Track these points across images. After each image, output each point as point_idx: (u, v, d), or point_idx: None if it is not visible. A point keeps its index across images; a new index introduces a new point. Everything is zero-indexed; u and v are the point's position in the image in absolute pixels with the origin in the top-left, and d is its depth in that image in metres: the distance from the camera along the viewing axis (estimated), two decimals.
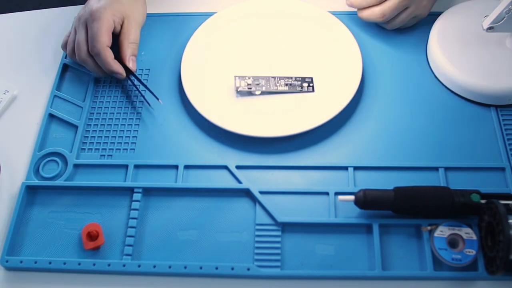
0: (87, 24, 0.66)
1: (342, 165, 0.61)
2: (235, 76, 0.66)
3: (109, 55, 0.65)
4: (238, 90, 0.65)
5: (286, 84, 0.66)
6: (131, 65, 0.67)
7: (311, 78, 0.66)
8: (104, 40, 0.64)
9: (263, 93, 0.65)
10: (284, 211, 0.57)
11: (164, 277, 0.55)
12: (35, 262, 0.55)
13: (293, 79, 0.66)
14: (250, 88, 0.65)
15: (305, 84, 0.66)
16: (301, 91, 0.65)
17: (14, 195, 0.61)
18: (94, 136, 0.65)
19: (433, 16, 0.70)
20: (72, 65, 0.71)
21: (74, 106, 0.67)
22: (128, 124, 0.65)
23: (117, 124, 0.66)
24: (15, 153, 0.64)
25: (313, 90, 0.66)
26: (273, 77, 0.66)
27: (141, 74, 0.70)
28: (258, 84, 0.65)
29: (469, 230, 0.54)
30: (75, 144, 0.64)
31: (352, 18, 0.72)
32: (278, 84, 0.66)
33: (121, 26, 0.68)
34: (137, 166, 0.62)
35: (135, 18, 0.69)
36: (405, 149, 0.62)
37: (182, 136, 0.64)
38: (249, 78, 0.66)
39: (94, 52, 0.65)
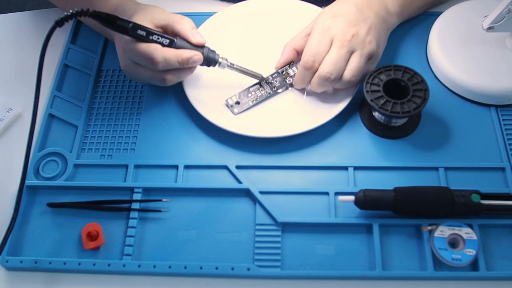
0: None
1: (342, 165, 0.61)
2: (226, 101, 0.65)
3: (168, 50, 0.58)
4: (236, 113, 0.64)
5: (278, 83, 0.66)
6: (198, 38, 0.59)
7: (292, 62, 0.67)
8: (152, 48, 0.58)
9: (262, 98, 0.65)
10: (284, 211, 0.57)
11: (164, 277, 0.55)
12: (35, 262, 0.55)
13: (277, 73, 0.66)
14: (244, 105, 0.65)
15: (290, 71, 0.66)
16: (291, 82, 0.65)
17: (14, 195, 0.61)
18: (94, 136, 0.65)
19: (433, 16, 0.70)
20: (72, 65, 0.71)
21: (74, 106, 0.67)
22: (128, 124, 0.65)
23: (117, 124, 0.66)
24: (15, 153, 0.64)
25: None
26: (259, 84, 0.66)
27: None
28: (249, 95, 0.65)
29: (469, 230, 0.54)
30: (75, 144, 0.64)
31: None
32: (270, 87, 0.65)
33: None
34: (137, 166, 0.62)
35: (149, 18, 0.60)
36: (405, 149, 0.62)
37: (182, 136, 0.64)
38: (235, 96, 0.65)
39: (158, 64, 0.58)
